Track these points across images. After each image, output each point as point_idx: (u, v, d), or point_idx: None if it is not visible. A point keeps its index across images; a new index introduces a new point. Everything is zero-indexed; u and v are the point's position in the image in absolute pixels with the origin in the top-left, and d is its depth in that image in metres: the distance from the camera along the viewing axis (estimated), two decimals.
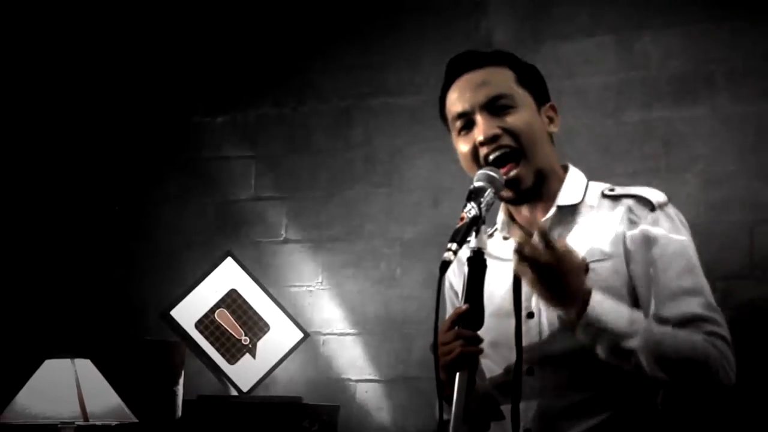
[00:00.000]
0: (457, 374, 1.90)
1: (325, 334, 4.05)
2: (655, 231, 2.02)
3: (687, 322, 1.95)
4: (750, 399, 3.30)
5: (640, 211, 2.05)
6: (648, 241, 2.02)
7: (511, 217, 2.18)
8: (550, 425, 2.03)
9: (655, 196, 2.08)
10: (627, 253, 2.02)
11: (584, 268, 1.93)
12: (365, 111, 4.12)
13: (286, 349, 3.92)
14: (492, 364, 2.11)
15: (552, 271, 1.89)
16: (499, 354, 2.07)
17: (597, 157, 3.62)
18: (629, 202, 2.07)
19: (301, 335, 3.94)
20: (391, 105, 4.08)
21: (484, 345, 1.97)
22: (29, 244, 4.44)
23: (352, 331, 4.03)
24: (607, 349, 1.91)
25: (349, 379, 4.00)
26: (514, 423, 2.01)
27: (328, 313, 4.07)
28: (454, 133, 2.17)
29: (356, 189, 4.09)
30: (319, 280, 4.11)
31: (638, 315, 1.94)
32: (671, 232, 2.03)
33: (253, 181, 4.27)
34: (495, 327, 2.01)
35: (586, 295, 1.91)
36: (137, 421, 3.39)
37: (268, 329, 3.92)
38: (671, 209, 2.08)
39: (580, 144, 3.61)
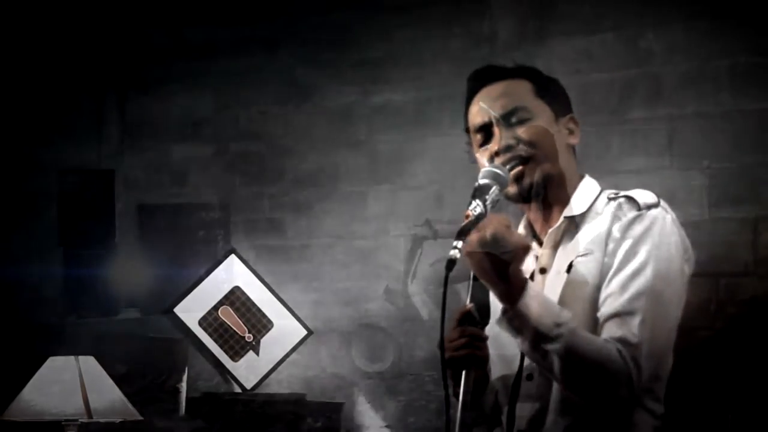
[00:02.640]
0: (463, 372, 1.91)
1: (328, 332, 4.05)
2: (630, 230, 2.05)
3: (613, 317, 1.97)
4: (751, 396, 3.30)
5: (627, 209, 2.08)
6: (622, 236, 2.05)
7: (531, 230, 2.20)
8: (542, 428, 2.05)
9: (643, 197, 2.10)
10: (607, 248, 2.05)
11: (520, 251, 1.92)
12: (368, 108, 4.12)
13: (290, 347, 3.92)
14: (497, 372, 2.13)
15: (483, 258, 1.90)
16: (507, 364, 2.09)
17: (601, 154, 3.62)
18: (621, 200, 2.10)
19: (304, 332, 3.94)
20: (394, 102, 4.07)
21: (494, 356, 1.99)
22: (32, 240, 4.44)
23: (355, 328, 4.03)
24: (526, 344, 1.94)
25: (353, 377, 4.00)
26: (509, 425, 2.03)
27: (331, 310, 4.07)
28: (475, 147, 2.19)
29: (359, 186, 4.09)
30: (323, 278, 4.11)
31: (566, 317, 1.95)
32: (644, 234, 2.04)
33: (256, 178, 4.27)
34: (509, 342, 2.02)
35: (522, 283, 1.92)
36: (141, 418, 3.39)
37: (272, 326, 3.91)
38: (657, 211, 2.09)
39: (584, 141, 3.59)
